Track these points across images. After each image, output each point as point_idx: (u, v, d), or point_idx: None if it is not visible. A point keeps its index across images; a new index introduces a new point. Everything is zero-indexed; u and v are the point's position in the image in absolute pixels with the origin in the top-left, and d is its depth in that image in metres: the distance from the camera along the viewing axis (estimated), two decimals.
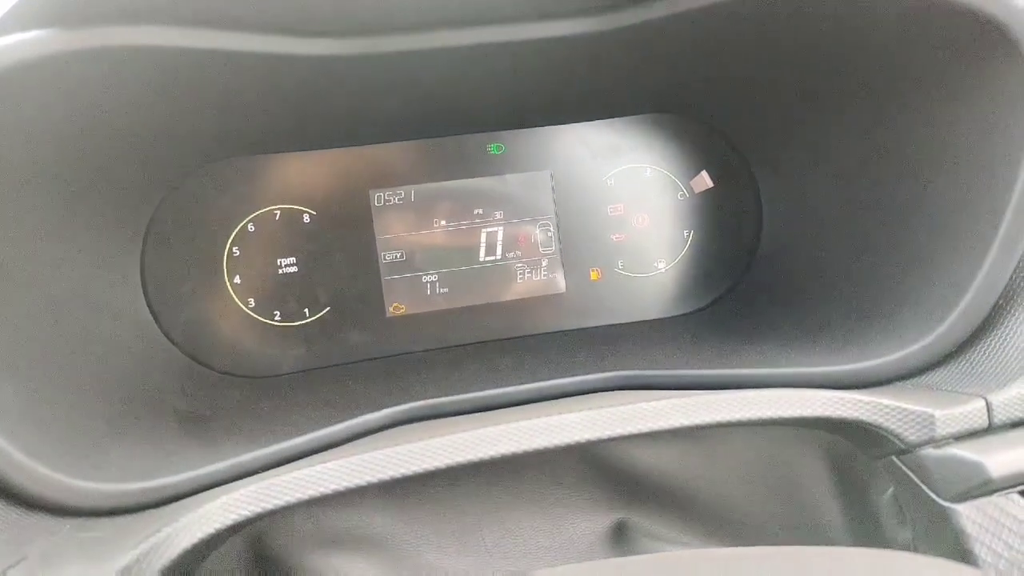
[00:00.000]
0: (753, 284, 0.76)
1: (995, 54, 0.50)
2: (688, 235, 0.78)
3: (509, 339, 0.75)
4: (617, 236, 0.77)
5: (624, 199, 0.77)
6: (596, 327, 0.76)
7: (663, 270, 0.78)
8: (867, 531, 0.53)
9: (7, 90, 0.44)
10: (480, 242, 0.76)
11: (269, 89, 0.58)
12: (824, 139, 0.68)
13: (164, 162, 0.66)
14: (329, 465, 0.46)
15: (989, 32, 0.49)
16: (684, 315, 0.77)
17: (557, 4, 0.57)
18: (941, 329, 0.52)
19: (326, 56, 0.54)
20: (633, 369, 0.59)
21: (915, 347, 0.53)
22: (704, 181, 0.78)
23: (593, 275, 0.77)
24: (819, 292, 0.67)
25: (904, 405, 0.47)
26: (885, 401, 0.48)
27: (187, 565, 0.43)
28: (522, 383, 0.59)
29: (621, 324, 0.76)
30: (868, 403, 0.48)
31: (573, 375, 0.59)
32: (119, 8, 0.47)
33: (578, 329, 0.76)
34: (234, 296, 0.72)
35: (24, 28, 0.45)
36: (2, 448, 0.44)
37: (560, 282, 0.77)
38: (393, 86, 0.63)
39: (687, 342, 0.70)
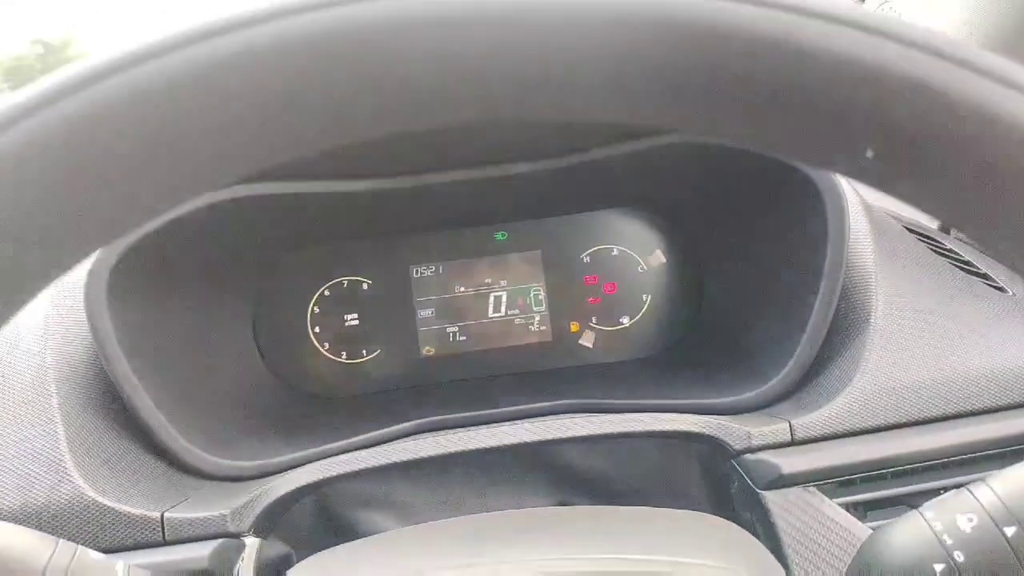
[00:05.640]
0: (694, 338, 0.98)
1: (805, 189, 0.73)
2: (646, 299, 0.98)
3: (509, 374, 0.96)
4: (591, 299, 0.98)
5: (597, 271, 0.98)
6: (572, 367, 0.97)
7: (627, 324, 0.98)
8: (726, 513, 0.74)
9: (180, 224, 0.70)
10: (489, 303, 0.97)
11: (339, 209, 0.83)
12: (739, 236, 0.91)
13: (268, 252, 0.91)
14: (367, 451, 0.70)
15: (804, 183, 0.72)
16: (640, 359, 0.97)
17: (546, 147, 0.79)
18: (773, 381, 0.74)
19: (374, 190, 0.79)
20: (591, 398, 0.79)
21: (764, 387, 0.75)
22: (658, 257, 0.99)
23: (573, 328, 0.98)
24: (725, 346, 0.90)
25: (732, 424, 0.69)
26: (722, 421, 0.70)
27: (278, 509, 0.66)
28: (513, 405, 0.78)
29: (592, 364, 0.97)
30: (711, 422, 0.69)
31: (549, 400, 0.79)
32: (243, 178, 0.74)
33: (559, 368, 0.97)
34: (315, 341, 0.95)
35: None
36: (175, 437, 0.69)
37: (548, 333, 0.98)
38: (426, 202, 0.86)
39: (639, 379, 0.93)
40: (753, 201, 0.84)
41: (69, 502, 0.62)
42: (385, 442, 0.73)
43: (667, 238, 1.00)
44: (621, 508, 0.59)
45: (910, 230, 0.84)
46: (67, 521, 0.62)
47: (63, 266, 0.24)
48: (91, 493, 0.62)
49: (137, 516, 0.62)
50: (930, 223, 0.92)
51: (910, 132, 0.23)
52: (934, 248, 0.82)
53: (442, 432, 0.74)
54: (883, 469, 0.65)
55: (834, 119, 0.23)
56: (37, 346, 0.70)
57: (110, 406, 0.71)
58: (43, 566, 0.43)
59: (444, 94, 0.22)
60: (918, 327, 0.72)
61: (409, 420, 0.77)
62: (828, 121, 0.23)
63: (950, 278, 0.77)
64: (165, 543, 0.62)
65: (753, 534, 0.63)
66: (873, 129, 0.23)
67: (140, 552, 0.61)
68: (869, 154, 0.24)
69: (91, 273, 0.68)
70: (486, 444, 0.71)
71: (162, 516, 0.62)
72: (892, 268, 0.75)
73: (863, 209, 0.79)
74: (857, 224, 0.77)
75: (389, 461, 0.70)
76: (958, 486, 0.48)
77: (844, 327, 0.74)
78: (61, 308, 0.73)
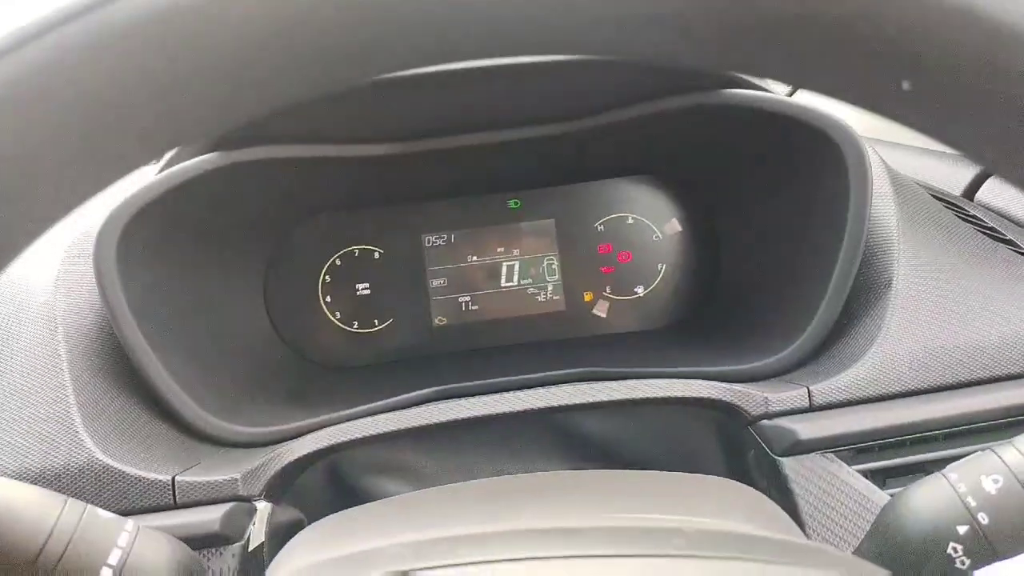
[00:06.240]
0: (710, 307, 0.96)
1: (826, 151, 0.71)
2: (661, 268, 0.97)
3: (521, 344, 0.95)
4: (605, 268, 0.97)
5: (611, 240, 0.97)
6: (586, 337, 0.96)
7: (641, 294, 0.97)
8: (740, 479, 0.73)
9: (192, 188, 0.70)
10: (502, 272, 0.96)
11: (352, 174, 0.83)
12: (757, 202, 0.89)
13: (279, 219, 0.91)
14: (378, 418, 0.70)
15: (825, 147, 0.70)
16: (654, 329, 0.97)
17: (557, 111, 0.78)
18: (792, 347, 0.73)
19: (386, 154, 0.78)
20: (603, 366, 0.78)
21: (782, 354, 0.74)
22: (674, 226, 0.98)
23: (587, 297, 0.97)
24: (742, 315, 0.88)
25: (750, 390, 0.68)
26: (739, 387, 0.69)
27: (290, 475, 0.67)
28: (525, 374, 0.77)
29: (604, 335, 0.97)
30: (728, 388, 0.69)
31: (561, 369, 0.78)
32: (254, 135, 0.73)
33: (572, 338, 0.96)
34: (326, 311, 0.95)
35: (200, 152, 0.71)
36: (187, 403, 0.69)
37: (561, 303, 0.97)
38: (438, 167, 0.86)
39: (654, 348, 0.92)
40: (771, 166, 0.82)
41: (81, 466, 0.62)
42: (397, 409, 0.72)
43: (683, 206, 0.98)
44: (634, 471, 0.59)
45: (935, 196, 0.82)
46: (79, 484, 0.62)
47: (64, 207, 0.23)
48: (102, 457, 0.62)
49: (148, 480, 0.62)
50: (955, 189, 0.90)
51: (949, 63, 0.22)
52: (959, 214, 0.80)
53: (454, 399, 0.73)
54: (903, 436, 0.64)
55: (870, 50, 0.22)
56: (47, 311, 0.70)
57: (121, 372, 0.71)
58: (52, 524, 0.43)
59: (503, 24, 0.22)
60: (940, 293, 0.70)
61: (421, 389, 0.76)
62: (864, 53, 0.22)
63: (975, 244, 0.76)
64: (176, 506, 0.62)
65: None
66: (910, 60, 0.22)
67: (152, 515, 0.61)
68: (906, 87, 0.23)
69: (101, 238, 0.67)
70: (498, 410, 0.71)
71: (173, 480, 0.62)
72: (915, 233, 0.74)
73: (886, 174, 0.77)
74: (880, 189, 0.75)
75: (401, 427, 0.70)
76: None
77: (865, 293, 0.73)
78: (71, 273, 0.72)
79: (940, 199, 0.82)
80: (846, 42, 0.22)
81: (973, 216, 0.81)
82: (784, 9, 0.22)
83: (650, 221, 0.98)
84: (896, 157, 0.85)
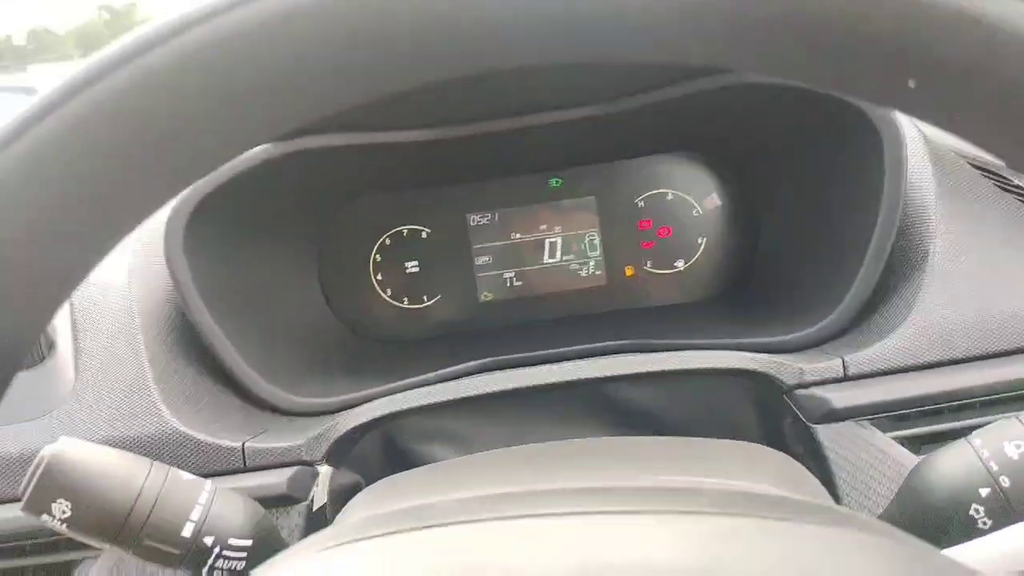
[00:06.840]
0: (749, 280, 0.97)
1: (861, 126, 0.72)
2: (701, 241, 0.99)
3: (564, 318, 0.98)
4: (646, 243, 0.99)
5: (651, 216, 0.98)
6: (627, 309, 0.99)
7: (681, 268, 0.99)
8: (777, 447, 0.76)
9: (248, 178, 0.74)
10: (544, 249, 0.98)
11: (399, 159, 0.87)
12: (795, 176, 0.90)
13: (331, 203, 0.96)
14: (429, 388, 0.75)
15: (860, 119, 0.71)
16: (694, 302, 0.98)
17: (598, 92, 0.80)
18: (828, 319, 0.74)
19: (432, 139, 0.81)
20: (644, 339, 0.80)
21: (818, 326, 0.76)
22: (714, 201, 0.99)
23: (628, 272, 0.99)
24: (781, 287, 0.90)
25: (785, 361, 0.71)
26: (775, 359, 0.72)
27: (348, 441, 0.72)
28: (568, 346, 0.79)
29: (646, 308, 0.99)
30: (764, 359, 0.71)
31: (603, 342, 0.81)
32: (305, 130, 0.77)
33: (613, 311, 0.99)
34: (377, 288, 0.99)
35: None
36: (253, 377, 0.75)
37: (602, 278, 0.99)
38: (483, 150, 0.89)
39: (694, 321, 0.94)
40: (808, 141, 0.83)
41: (161, 434, 0.68)
42: (446, 381, 0.76)
43: (722, 181, 0.99)
44: (667, 438, 0.62)
45: (975, 166, 0.82)
46: (158, 450, 0.67)
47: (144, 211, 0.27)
48: (179, 426, 0.68)
49: (221, 446, 0.68)
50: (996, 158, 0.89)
51: (952, 60, 0.23)
52: (1000, 184, 0.80)
53: (500, 371, 0.77)
54: (936, 404, 0.66)
55: (875, 49, 0.24)
56: (123, 295, 0.76)
57: (192, 350, 0.76)
58: (140, 484, 0.49)
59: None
60: (978, 264, 0.71)
61: (469, 361, 0.79)
62: (869, 52, 0.24)
63: (1015, 215, 0.76)
64: (247, 470, 0.67)
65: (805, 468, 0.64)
66: (914, 58, 0.24)
67: (224, 478, 0.66)
68: (912, 84, 0.25)
69: (169, 228, 0.72)
70: (544, 381, 0.74)
71: (243, 446, 0.68)
72: (953, 204, 0.74)
73: (923, 144, 0.78)
74: (917, 160, 0.76)
75: (450, 397, 0.74)
76: None
77: (901, 264, 0.74)
78: (143, 263, 0.78)
79: (980, 168, 0.82)
80: (851, 43, 0.24)
81: (1016, 186, 0.81)
82: (793, 8, 0.24)
83: (690, 196, 0.99)
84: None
